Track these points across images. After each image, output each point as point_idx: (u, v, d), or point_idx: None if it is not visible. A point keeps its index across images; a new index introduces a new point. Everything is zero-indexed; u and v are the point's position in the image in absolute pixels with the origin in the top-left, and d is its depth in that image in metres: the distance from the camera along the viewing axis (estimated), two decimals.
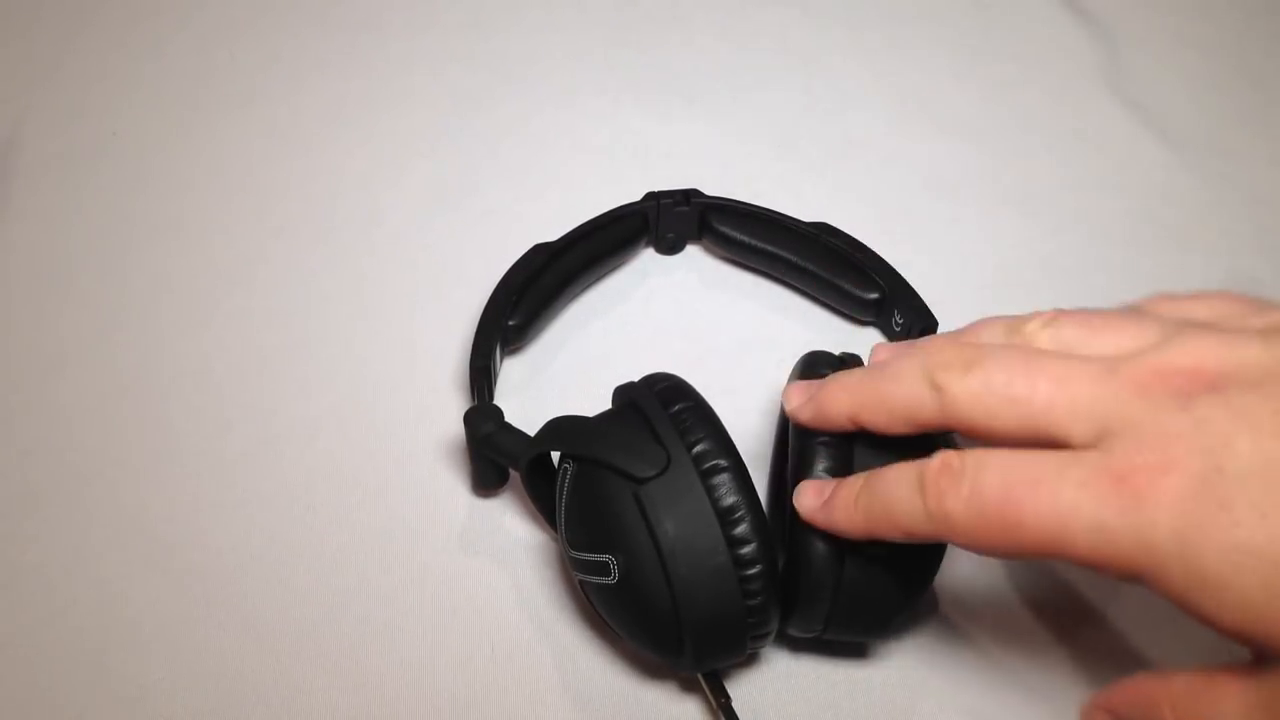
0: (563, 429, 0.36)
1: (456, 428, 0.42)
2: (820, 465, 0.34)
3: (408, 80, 0.58)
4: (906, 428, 0.31)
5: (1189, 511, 0.25)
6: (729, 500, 0.32)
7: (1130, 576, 0.26)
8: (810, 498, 0.33)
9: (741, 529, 0.32)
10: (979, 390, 0.29)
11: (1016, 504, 0.27)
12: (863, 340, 0.47)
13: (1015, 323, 0.31)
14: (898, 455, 0.34)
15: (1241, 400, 0.26)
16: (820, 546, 0.33)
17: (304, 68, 0.58)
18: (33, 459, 0.43)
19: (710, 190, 0.49)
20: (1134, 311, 0.30)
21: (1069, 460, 0.27)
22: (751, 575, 0.32)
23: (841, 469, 0.34)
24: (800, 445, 0.34)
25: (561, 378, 0.46)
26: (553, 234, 0.46)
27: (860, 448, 0.34)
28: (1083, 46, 0.61)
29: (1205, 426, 0.25)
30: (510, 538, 0.41)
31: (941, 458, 0.29)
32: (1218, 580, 0.25)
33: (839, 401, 0.33)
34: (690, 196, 0.48)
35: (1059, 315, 0.30)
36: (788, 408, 0.35)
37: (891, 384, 0.31)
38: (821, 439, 0.34)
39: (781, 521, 0.37)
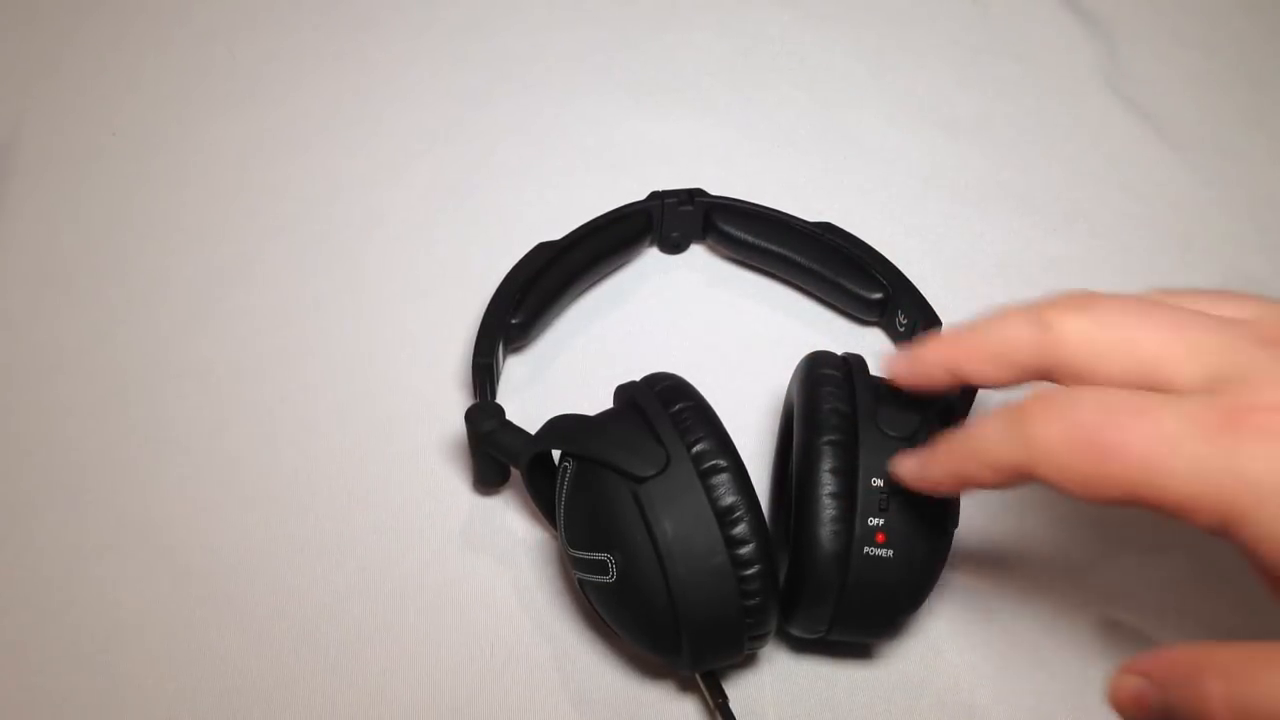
0: (563, 427, 0.36)
1: (458, 425, 0.42)
2: (826, 464, 0.34)
3: (408, 79, 0.58)
4: (1007, 373, 0.30)
5: None
6: (728, 500, 0.32)
7: (1220, 523, 0.25)
8: (907, 461, 0.32)
9: (740, 529, 0.32)
10: (1089, 329, 0.28)
11: (1113, 429, 0.26)
12: (866, 340, 0.47)
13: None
14: (904, 450, 0.34)
15: None
16: (824, 547, 0.33)
17: (304, 67, 0.58)
18: (33, 459, 0.43)
19: (711, 190, 0.49)
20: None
21: (1176, 396, 0.26)
22: (749, 575, 0.32)
23: (847, 466, 0.34)
24: (805, 443, 0.34)
25: (564, 376, 0.46)
26: (555, 234, 0.46)
27: (865, 446, 0.34)
28: (1083, 46, 0.61)
29: None
30: (511, 536, 0.41)
31: (1038, 389, 0.28)
32: None
33: (935, 352, 0.32)
34: (694, 196, 0.48)
35: (1170, 290, 0.30)
36: (886, 371, 0.34)
37: (995, 326, 0.30)
38: (827, 438, 0.34)
39: (784, 523, 0.37)
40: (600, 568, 0.34)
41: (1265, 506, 0.24)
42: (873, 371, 0.37)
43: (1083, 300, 0.29)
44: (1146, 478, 0.25)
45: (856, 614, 0.34)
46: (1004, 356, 0.30)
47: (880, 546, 0.33)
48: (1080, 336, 0.28)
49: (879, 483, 0.33)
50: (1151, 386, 0.27)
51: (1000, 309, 0.31)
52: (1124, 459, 0.25)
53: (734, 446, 0.34)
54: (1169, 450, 0.25)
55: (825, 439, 0.34)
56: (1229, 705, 0.25)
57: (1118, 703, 0.28)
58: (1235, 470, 0.24)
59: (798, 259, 0.47)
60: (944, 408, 0.36)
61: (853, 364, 0.37)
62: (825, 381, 0.36)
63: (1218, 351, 0.26)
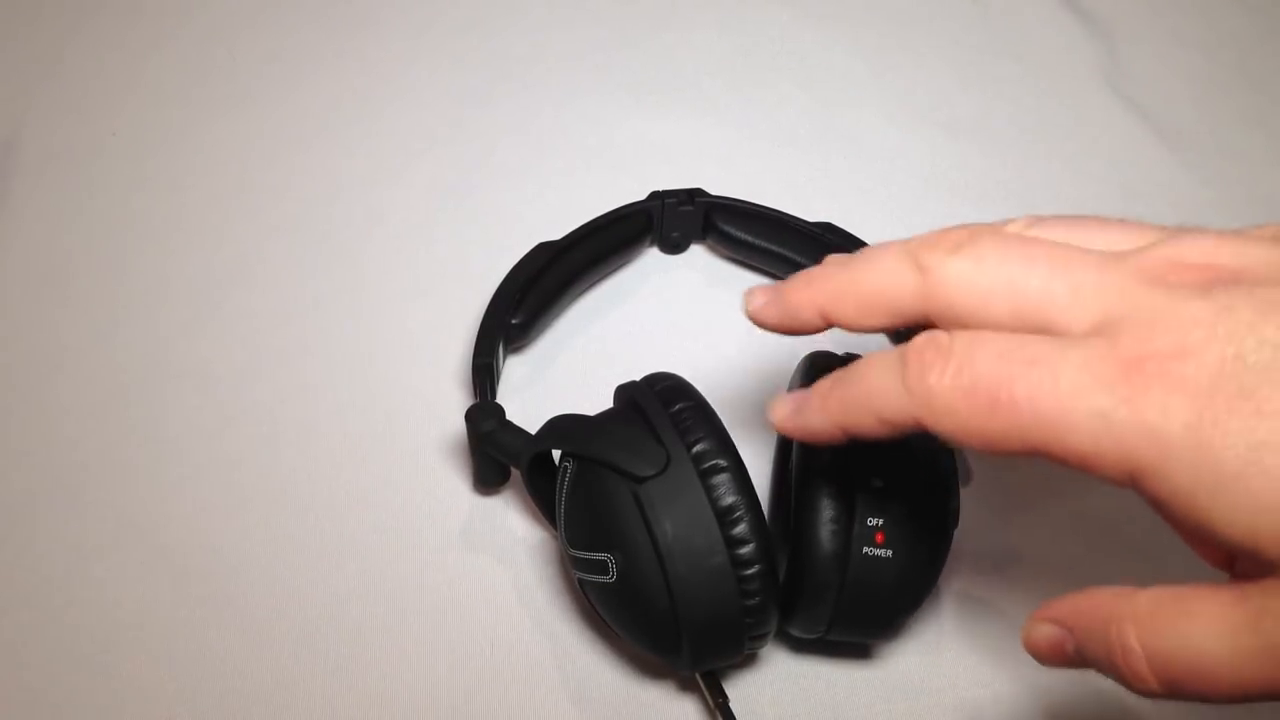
0: (563, 427, 0.36)
1: (458, 425, 0.42)
2: (824, 464, 0.33)
3: (408, 79, 0.58)
4: (883, 320, 0.28)
5: (1206, 401, 0.22)
6: (728, 500, 0.32)
7: (1127, 476, 0.24)
8: (781, 407, 0.30)
9: (740, 529, 0.32)
10: (968, 271, 0.26)
11: (1010, 381, 0.24)
12: (866, 340, 0.47)
13: (995, 224, 0.28)
14: (903, 450, 0.34)
15: (1266, 292, 0.23)
16: (823, 547, 0.33)
17: (304, 66, 0.58)
18: (32, 459, 0.43)
19: (711, 190, 0.49)
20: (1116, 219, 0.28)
21: (1071, 342, 0.24)
22: (750, 575, 0.32)
23: (846, 467, 0.33)
24: (804, 445, 0.34)
25: (564, 376, 0.46)
26: (555, 234, 0.46)
27: (864, 446, 0.34)
28: (1083, 46, 0.61)
29: (1228, 314, 0.23)
30: (511, 536, 0.41)
31: (926, 334, 0.26)
32: (1232, 476, 0.22)
33: (806, 293, 0.29)
34: (695, 196, 0.48)
35: (1040, 218, 0.28)
36: (749, 309, 0.31)
37: (867, 268, 0.28)
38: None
39: (783, 523, 0.37)
40: (600, 568, 0.34)
41: (1171, 459, 0.23)
42: None
43: (960, 238, 0.27)
44: (1046, 432, 0.24)
45: (855, 614, 0.34)
46: (880, 303, 0.28)
47: (879, 547, 0.33)
48: (961, 280, 0.26)
49: (878, 483, 0.33)
50: (1039, 329, 0.25)
51: (874, 248, 0.29)
52: (1022, 413, 0.24)
53: (734, 446, 0.33)
54: (1068, 403, 0.24)
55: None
56: (1146, 655, 0.24)
57: (1033, 649, 0.27)
58: (1138, 423, 0.23)
59: (798, 259, 0.47)
60: None
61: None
62: None
63: (1103, 293, 0.25)
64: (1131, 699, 0.37)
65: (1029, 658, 0.38)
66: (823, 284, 0.29)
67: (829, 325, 0.29)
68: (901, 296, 0.27)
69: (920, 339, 0.26)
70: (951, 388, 0.25)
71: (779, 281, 0.31)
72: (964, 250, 0.27)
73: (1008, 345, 0.25)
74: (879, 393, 0.27)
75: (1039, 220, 0.28)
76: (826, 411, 0.28)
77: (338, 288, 0.49)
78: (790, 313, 0.30)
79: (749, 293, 0.31)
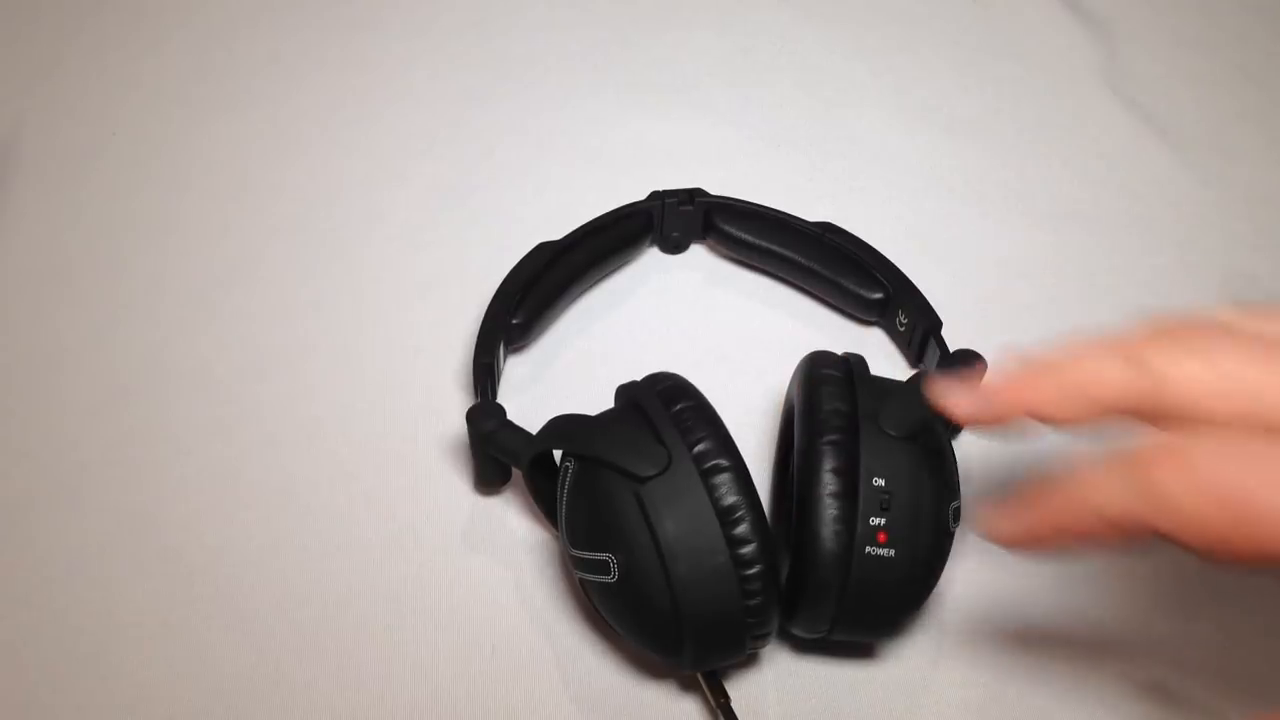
0: (564, 427, 0.36)
1: (459, 426, 0.42)
2: (827, 464, 0.33)
3: (408, 80, 0.58)
4: (1089, 413, 0.28)
5: None
6: (730, 500, 0.32)
7: None
8: (996, 515, 0.30)
9: (742, 529, 0.32)
10: (1200, 373, 0.26)
11: (1258, 488, 0.24)
12: (867, 340, 0.47)
13: (1211, 318, 0.28)
14: (905, 450, 0.34)
15: None
16: (826, 547, 0.33)
17: (304, 67, 0.58)
18: (32, 459, 0.43)
19: (711, 190, 0.49)
20: None
21: None
22: (751, 575, 0.32)
23: (848, 466, 0.33)
24: (806, 443, 0.34)
25: (564, 376, 0.46)
26: (555, 234, 0.46)
27: (866, 446, 0.34)
28: (1083, 46, 0.61)
29: None
30: (512, 536, 0.41)
31: (1157, 438, 0.26)
32: None
33: (1014, 391, 0.29)
34: (695, 196, 0.48)
35: (1245, 308, 0.28)
36: (949, 403, 0.31)
37: (1081, 366, 0.28)
38: (828, 438, 0.34)
39: (785, 522, 0.37)
40: (602, 568, 0.34)
41: None
42: (874, 371, 0.37)
43: (1185, 338, 0.27)
44: None
45: (858, 614, 0.34)
46: (1089, 397, 0.28)
47: (882, 546, 0.33)
48: (1194, 382, 0.26)
49: (880, 482, 0.33)
50: (1267, 429, 0.25)
51: (1083, 345, 0.29)
52: (1266, 521, 0.24)
53: (736, 446, 0.33)
54: None
55: (826, 439, 0.34)
56: None
57: None
58: None
59: (798, 259, 0.47)
60: None
61: (853, 364, 0.37)
62: (826, 381, 0.36)
63: None
64: (1131, 700, 0.37)
65: (1030, 656, 0.38)
66: (1028, 382, 0.29)
67: (1029, 417, 0.29)
68: (1113, 391, 0.27)
69: (1150, 443, 0.26)
70: (1186, 491, 0.25)
71: (971, 378, 0.31)
72: (1198, 354, 0.26)
73: (1251, 450, 0.25)
74: (1105, 492, 0.26)
75: (1246, 312, 0.28)
76: (1047, 515, 0.28)
77: (338, 288, 0.49)
78: (992, 410, 0.30)
79: (947, 395, 0.31)
